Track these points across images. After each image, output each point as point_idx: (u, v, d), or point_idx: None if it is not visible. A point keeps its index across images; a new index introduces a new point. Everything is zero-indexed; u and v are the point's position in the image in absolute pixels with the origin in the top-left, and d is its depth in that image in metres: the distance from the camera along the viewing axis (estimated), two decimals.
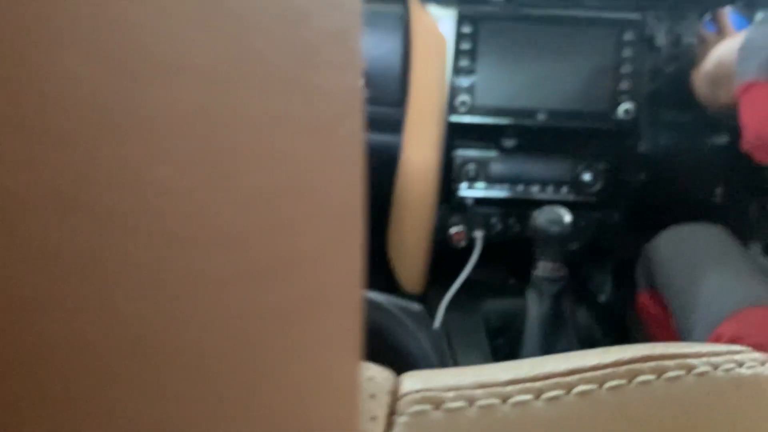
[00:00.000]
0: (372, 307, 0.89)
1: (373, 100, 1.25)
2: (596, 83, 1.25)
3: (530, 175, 1.32)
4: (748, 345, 0.88)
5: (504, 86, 1.25)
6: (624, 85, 1.23)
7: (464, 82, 1.24)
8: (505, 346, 1.29)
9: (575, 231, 1.37)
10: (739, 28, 1.31)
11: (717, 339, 0.94)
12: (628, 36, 1.25)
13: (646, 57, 1.24)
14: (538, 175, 1.32)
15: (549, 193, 1.32)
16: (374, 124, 1.28)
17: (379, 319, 0.88)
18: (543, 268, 1.17)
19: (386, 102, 1.25)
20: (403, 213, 1.35)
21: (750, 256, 1.10)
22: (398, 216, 1.38)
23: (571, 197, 1.32)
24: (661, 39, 1.24)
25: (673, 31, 1.27)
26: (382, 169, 1.32)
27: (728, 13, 1.27)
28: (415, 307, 0.93)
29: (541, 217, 1.14)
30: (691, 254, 1.12)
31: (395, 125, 1.27)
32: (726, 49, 0.98)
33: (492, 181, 1.32)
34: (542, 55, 1.25)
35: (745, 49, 0.87)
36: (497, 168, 1.32)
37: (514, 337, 1.24)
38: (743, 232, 1.21)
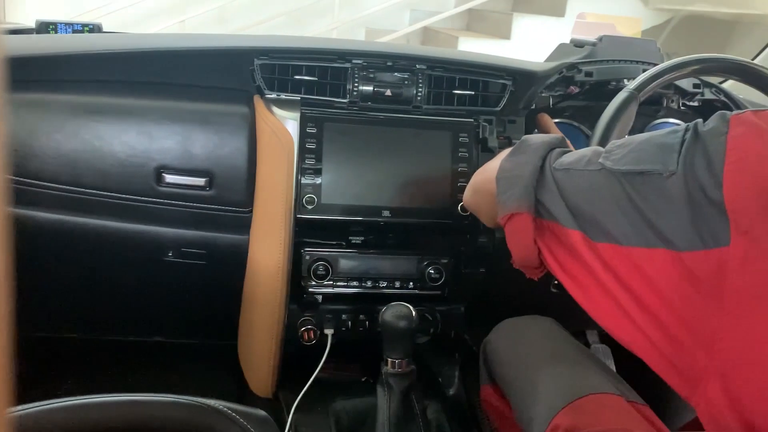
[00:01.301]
0: (213, 414, 0.85)
1: (217, 200, 1.23)
2: (436, 182, 1.30)
3: (378, 271, 1.34)
4: None
5: (350, 185, 1.28)
6: (462, 183, 1.29)
7: (311, 181, 1.26)
8: None
9: (422, 325, 1.39)
10: (577, 136, 1.42)
11: (554, 430, 0.96)
12: (463, 138, 1.32)
13: (480, 157, 1.31)
14: (385, 271, 1.35)
15: (396, 288, 1.35)
16: (219, 223, 1.26)
17: (220, 427, 0.85)
18: (392, 363, 1.17)
19: (231, 202, 1.24)
20: (252, 314, 1.32)
21: (580, 346, 1.16)
22: (247, 317, 1.34)
23: (417, 292, 1.35)
24: (493, 141, 1.32)
25: (503, 134, 1.36)
26: (228, 270, 1.29)
27: (550, 120, 1.38)
28: (260, 413, 0.90)
29: (388, 313, 1.15)
30: (524, 348, 1.16)
31: (241, 225, 1.26)
32: (486, 173, 1.01)
33: (341, 278, 1.33)
34: (385, 155, 1.29)
35: (503, 179, 0.90)
36: (346, 265, 1.33)
37: None
38: (578, 321, 1.28)
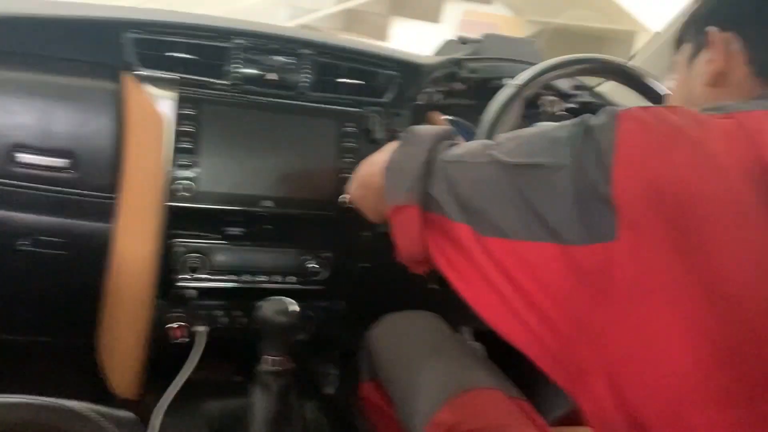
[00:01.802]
0: (71, 417, 0.76)
1: (79, 184, 1.12)
2: (320, 172, 1.26)
3: (256, 265, 1.28)
4: (467, 430, 0.90)
5: (229, 172, 1.21)
6: (346, 174, 1.26)
7: (186, 166, 1.17)
8: None
9: (302, 321, 1.34)
10: (464, 133, 1.42)
11: (436, 426, 0.95)
12: (349, 128, 1.28)
13: (366, 148, 1.28)
14: (264, 264, 1.28)
15: (276, 282, 1.29)
16: (81, 210, 1.15)
17: (80, 430, 0.76)
18: (270, 361, 1.11)
19: (95, 186, 1.13)
20: (116, 309, 1.21)
21: (463, 341, 1.15)
22: (110, 313, 1.24)
23: (297, 286, 1.30)
24: (380, 132, 1.30)
25: (389, 126, 1.33)
26: (89, 261, 1.18)
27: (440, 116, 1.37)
28: (127, 415, 0.82)
29: (266, 308, 1.10)
30: (407, 343, 1.14)
31: (105, 212, 1.15)
32: (373, 166, 0.99)
33: (216, 271, 1.25)
34: (268, 142, 1.23)
35: (391, 171, 0.89)
36: (222, 258, 1.25)
37: None
38: (456, 317, 1.27)
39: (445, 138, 0.88)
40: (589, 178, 0.66)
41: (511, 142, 0.77)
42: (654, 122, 0.68)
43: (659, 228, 0.63)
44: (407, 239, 0.85)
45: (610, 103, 1.50)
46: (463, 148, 0.84)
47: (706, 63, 0.83)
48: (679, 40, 0.91)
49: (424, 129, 0.91)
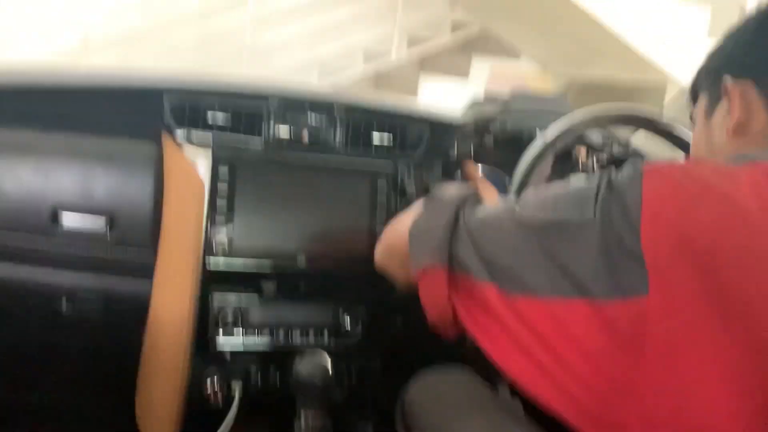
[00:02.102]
0: None
1: (119, 243, 1.15)
2: (353, 227, 1.27)
3: (291, 321, 1.28)
4: None
5: (263, 229, 1.22)
6: (380, 230, 1.26)
7: (221, 224, 1.20)
8: None
9: (337, 378, 1.33)
10: (498, 183, 1.43)
11: None
12: (382, 184, 1.29)
13: (399, 203, 1.29)
14: (299, 320, 1.29)
15: (310, 339, 1.29)
16: (120, 269, 1.17)
17: None
18: (306, 418, 1.11)
19: (134, 245, 1.15)
20: (153, 366, 1.22)
21: (498, 398, 1.13)
22: (147, 370, 1.24)
23: (332, 343, 1.30)
24: (411, 187, 1.31)
25: (421, 180, 1.34)
26: (127, 319, 1.20)
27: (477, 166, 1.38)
28: None
29: (302, 365, 1.10)
30: (442, 401, 1.13)
31: (144, 271, 1.17)
32: (397, 230, 0.98)
33: (251, 328, 1.26)
34: (302, 200, 1.25)
35: (415, 235, 0.88)
36: (257, 314, 1.26)
37: None
38: (492, 373, 1.26)
39: (470, 198, 0.88)
40: (616, 232, 0.66)
41: (535, 199, 0.78)
42: (680, 176, 0.68)
43: (692, 282, 0.63)
44: (434, 302, 0.84)
45: (641, 154, 1.50)
46: (487, 208, 0.84)
47: (724, 114, 0.82)
48: (694, 92, 0.91)
49: (448, 191, 0.91)
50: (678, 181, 0.67)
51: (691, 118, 0.93)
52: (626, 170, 0.70)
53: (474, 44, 5.59)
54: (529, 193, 0.81)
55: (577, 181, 0.77)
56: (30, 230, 1.11)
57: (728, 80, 0.81)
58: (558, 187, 0.78)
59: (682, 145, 1.22)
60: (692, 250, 0.63)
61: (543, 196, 0.77)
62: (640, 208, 0.66)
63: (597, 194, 0.70)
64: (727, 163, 0.71)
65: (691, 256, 0.63)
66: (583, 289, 0.68)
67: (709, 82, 0.87)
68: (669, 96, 3.99)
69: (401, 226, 0.96)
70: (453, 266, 0.81)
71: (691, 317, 0.62)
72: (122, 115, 1.22)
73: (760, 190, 0.65)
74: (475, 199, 0.89)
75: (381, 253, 1.05)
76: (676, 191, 0.66)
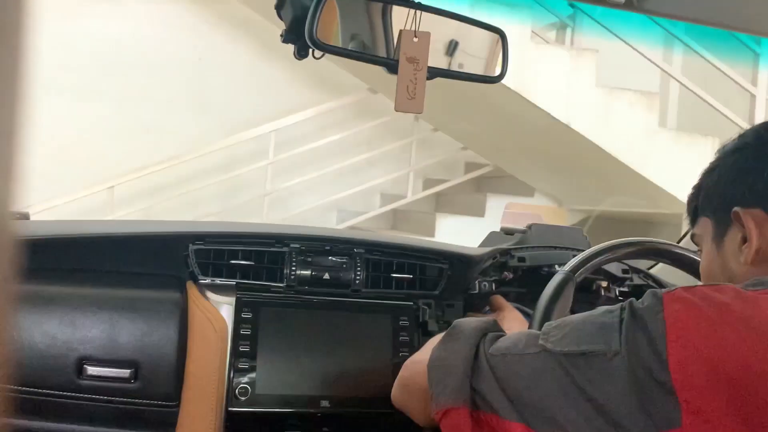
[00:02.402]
0: None
1: (142, 394, 1.14)
2: (376, 368, 1.26)
3: None
4: None
5: (286, 373, 1.21)
6: None
7: (244, 369, 1.19)
8: None
9: None
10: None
11: None
12: (404, 322, 1.29)
13: (421, 342, 1.28)
14: None
15: None
16: (143, 420, 1.15)
17: None
18: None
19: (157, 395, 1.15)
20: None
21: None
22: None
23: None
24: (433, 325, 1.31)
25: (442, 318, 1.34)
26: None
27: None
28: None
29: None
30: None
31: (166, 421, 1.16)
32: (415, 366, 0.95)
33: None
34: (324, 341, 1.25)
35: (435, 370, 0.85)
36: None
37: None
38: None
39: (490, 330, 0.86)
40: (644, 364, 0.66)
41: (559, 330, 0.76)
42: (701, 302, 0.68)
43: (723, 409, 0.62)
44: None
45: (662, 285, 1.50)
46: (509, 339, 0.82)
47: (738, 242, 0.82)
48: (693, 213, 0.91)
49: (467, 323, 0.89)
50: (699, 307, 0.68)
51: (692, 238, 0.93)
52: (645, 299, 0.71)
53: (488, 183, 5.72)
54: (551, 324, 0.79)
55: (599, 310, 0.76)
56: (56, 386, 1.11)
57: (738, 209, 0.81)
58: (580, 317, 0.77)
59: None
60: (719, 376, 0.63)
61: (566, 327, 0.76)
62: (665, 336, 0.66)
63: (621, 323, 0.70)
64: (746, 289, 0.72)
65: (719, 382, 0.63)
66: (617, 425, 0.66)
67: (712, 206, 0.87)
68: (686, 225, 4.01)
69: (419, 361, 0.94)
70: (476, 404, 0.79)
71: None
72: (148, 264, 1.24)
73: None
74: (496, 329, 0.87)
75: (399, 389, 1.02)
76: (699, 317, 0.67)
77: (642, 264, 1.54)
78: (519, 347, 0.78)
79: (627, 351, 0.67)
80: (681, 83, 4.62)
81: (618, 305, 0.73)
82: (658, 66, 4.57)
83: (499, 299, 1.38)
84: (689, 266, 1.24)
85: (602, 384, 0.68)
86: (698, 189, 0.91)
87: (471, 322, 0.89)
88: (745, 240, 0.81)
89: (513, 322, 1.25)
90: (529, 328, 1.15)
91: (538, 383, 0.74)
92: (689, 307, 0.68)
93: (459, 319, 0.92)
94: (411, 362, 1.00)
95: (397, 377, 1.02)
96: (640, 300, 0.71)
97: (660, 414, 0.64)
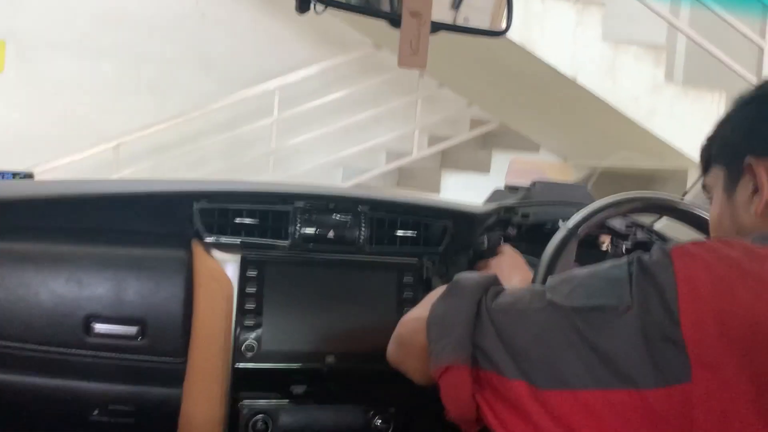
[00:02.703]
0: None
1: (150, 350, 1.15)
2: (381, 324, 1.26)
3: (322, 424, 1.27)
4: None
5: (292, 330, 1.23)
6: None
7: (250, 326, 1.20)
8: None
9: None
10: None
11: None
12: (408, 279, 1.30)
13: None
14: (330, 423, 1.27)
15: None
16: (151, 376, 1.17)
17: None
18: None
19: (164, 352, 1.16)
20: None
21: None
22: None
23: None
24: (437, 281, 1.31)
25: (446, 275, 1.35)
26: (159, 427, 1.19)
27: None
28: None
29: None
30: None
31: (174, 377, 1.17)
32: (413, 322, 0.92)
33: None
34: (329, 299, 1.26)
35: (435, 327, 0.82)
36: (287, 419, 1.25)
37: None
38: None
39: (492, 284, 0.84)
40: (655, 319, 0.66)
41: (566, 285, 0.75)
42: (711, 258, 0.68)
43: (733, 365, 0.62)
44: (457, 402, 0.79)
45: (666, 240, 1.49)
46: (513, 295, 0.80)
47: (749, 193, 0.81)
48: (706, 163, 0.90)
49: (467, 277, 0.87)
50: (708, 262, 0.68)
51: (704, 187, 0.92)
52: (655, 253, 0.70)
53: (493, 139, 5.70)
54: (557, 279, 0.78)
55: (605, 264, 0.76)
56: (64, 343, 1.12)
57: (751, 159, 0.80)
58: (587, 271, 0.76)
59: (706, 229, 1.22)
60: (731, 332, 0.63)
61: (574, 281, 0.75)
62: (675, 292, 0.66)
63: (630, 277, 0.70)
64: (754, 243, 0.71)
65: (730, 338, 0.63)
66: (627, 378, 0.66)
67: (725, 156, 0.86)
68: (691, 180, 4.00)
69: (417, 317, 0.91)
70: (477, 360, 0.77)
71: (736, 400, 0.62)
72: (153, 223, 1.25)
73: None
74: (498, 284, 0.85)
75: (395, 347, 0.98)
76: (710, 272, 0.67)
77: (646, 219, 1.54)
78: (524, 302, 0.77)
79: (638, 305, 0.67)
80: (688, 36, 4.55)
81: (624, 259, 0.73)
82: (665, 19, 4.50)
83: (504, 246, 1.35)
84: (694, 221, 1.24)
85: (612, 337, 0.68)
86: (712, 138, 0.89)
87: (472, 276, 0.87)
88: (756, 191, 0.80)
89: (513, 270, 1.23)
90: (532, 282, 1.16)
91: (544, 338, 0.73)
92: (699, 262, 0.67)
93: (459, 274, 0.90)
94: (408, 319, 0.97)
95: (394, 334, 0.99)
96: (648, 254, 0.71)
97: (670, 368, 0.64)
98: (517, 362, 0.73)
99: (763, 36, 4.35)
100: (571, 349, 0.70)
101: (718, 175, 0.87)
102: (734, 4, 4.26)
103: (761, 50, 4.35)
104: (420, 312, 0.91)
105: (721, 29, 4.41)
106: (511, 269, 1.23)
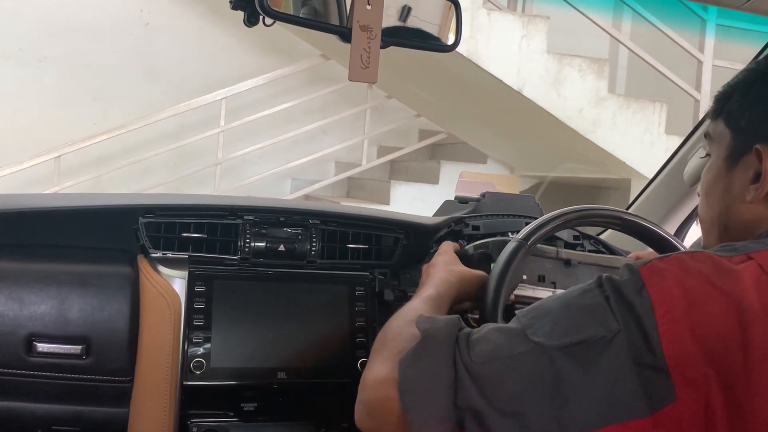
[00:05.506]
0: None
1: (94, 370, 1.12)
2: (334, 338, 1.26)
3: None
4: None
5: (241, 346, 1.21)
6: (361, 339, 1.25)
7: (199, 342, 1.18)
8: None
9: None
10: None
11: None
12: (360, 292, 1.29)
13: (378, 311, 1.29)
14: None
15: None
16: (96, 396, 1.14)
17: None
18: None
19: (110, 371, 1.13)
20: None
21: None
22: None
23: None
24: (389, 294, 1.31)
25: (398, 288, 1.34)
26: None
27: None
28: None
29: None
30: None
31: (120, 397, 1.14)
32: (382, 387, 0.80)
33: None
34: (280, 312, 1.24)
35: (410, 393, 0.75)
36: None
37: None
38: None
39: (457, 328, 0.78)
40: (637, 342, 0.66)
41: (544, 321, 0.72)
42: (680, 273, 0.69)
43: (712, 380, 0.64)
44: None
45: (612, 251, 1.52)
46: (490, 341, 0.75)
47: (751, 177, 0.79)
48: (717, 111, 0.86)
49: (434, 328, 0.79)
50: (679, 277, 0.68)
51: (707, 135, 0.89)
52: (623, 272, 0.70)
53: (442, 151, 5.74)
54: (528, 313, 0.75)
55: (573, 291, 0.74)
56: (4, 363, 1.08)
57: (762, 146, 0.78)
58: (560, 303, 0.74)
59: (651, 240, 1.24)
60: (707, 349, 0.65)
61: (551, 315, 0.72)
62: (653, 315, 0.67)
63: (608, 301, 0.69)
64: (717, 254, 0.72)
65: (707, 356, 0.65)
66: (622, 413, 0.66)
67: (738, 124, 0.82)
68: (634, 190, 4.10)
69: (382, 378, 0.80)
70: (464, 420, 0.72)
71: (716, 416, 0.64)
72: (97, 238, 1.22)
73: (760, 287, 0.67)
74: (461, 324, 0.79)
75: (365, 413, 0.84)
76: (681, 287, 0.68)
77: (592, 231, 1.57)
78: (506, 348, 0.72)
79: (625, 329, 0.67)
80: (630, 49, 4.68)
81: (591, 282, 0.72)
82: (607, 32, 4.62)
83: (444, 244, 1.26)
84: (638, 233, 1.26)
85: (606, 370, 0.67)
86: (731, 92, 0.84)
87: (437, 326, 0.80)
88: (757, 176, 0.78)
89: (447, 266, 1.14)
90: (484, 294, 1.15)
91: (536, 384, 0.69)
92: (670, 279, 0.68)
93: (420, 320, 0.82)
94: (373, 381, 0.83)
95: (359, 399, 0.85)
96: (616, 275, 0.71)
97: (657, 392, 0.65)
98: (507, 415, 0.70)
99: (701, 49, 4.49)
100: (566, 390, 0.68)
101: (724, 135, 0.84)
102: (673, 18, 4.39)
103: (700, 63, 4.49)
104: (383, 371, 0.81)
105: (662, 43, 4.54)
106: (445, 265, 1.16)
